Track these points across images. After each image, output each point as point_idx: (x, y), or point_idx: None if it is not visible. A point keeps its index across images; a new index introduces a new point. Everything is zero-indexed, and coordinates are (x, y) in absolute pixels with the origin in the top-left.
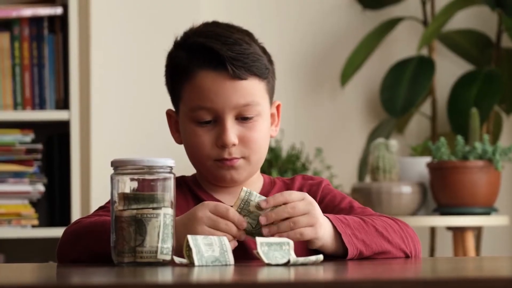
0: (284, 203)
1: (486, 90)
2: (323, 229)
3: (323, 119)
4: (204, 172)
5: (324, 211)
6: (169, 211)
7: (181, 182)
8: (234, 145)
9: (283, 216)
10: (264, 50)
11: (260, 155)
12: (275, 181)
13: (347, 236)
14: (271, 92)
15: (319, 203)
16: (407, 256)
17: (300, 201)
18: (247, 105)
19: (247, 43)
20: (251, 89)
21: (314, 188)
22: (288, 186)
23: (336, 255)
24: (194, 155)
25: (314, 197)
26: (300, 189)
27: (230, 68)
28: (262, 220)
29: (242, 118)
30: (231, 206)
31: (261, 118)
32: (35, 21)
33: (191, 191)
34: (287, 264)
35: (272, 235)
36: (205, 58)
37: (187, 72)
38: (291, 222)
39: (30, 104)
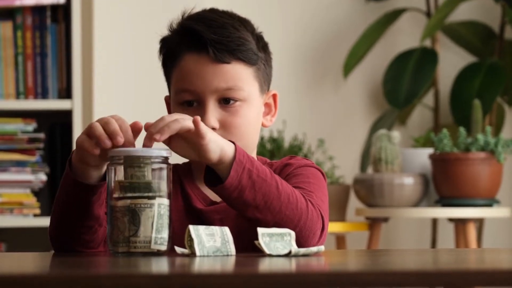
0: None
1: (489, 82)
2: (212, 134)
3: (325, 110)
4: None
5: None
6: (164, 201)
7: (173, 171)
8: (214, 129)
9: (160, 126)
10: (258, 38)
11: (244, 141)
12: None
13: (239, 165)
14: (262, 79)
15: None
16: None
17: (180, 117)
18: (229, 89)
19: (234, 28)
20: (235, 74)
21: (285, 169)
22: (271, 168)
23: (220, 182)
24: None
25: (282, 178)
26: (275, 170)
27: (211, 51)
28: (145, 142)
29: (224, 102)
30: None
31: (246, 104)
32: (38, 10)
33: (180, 182)
34: (288, 255)
35: (162, 137)
36: (189, 40)
37: (174, 55)
38: (168, 118)
39: (33, 93)
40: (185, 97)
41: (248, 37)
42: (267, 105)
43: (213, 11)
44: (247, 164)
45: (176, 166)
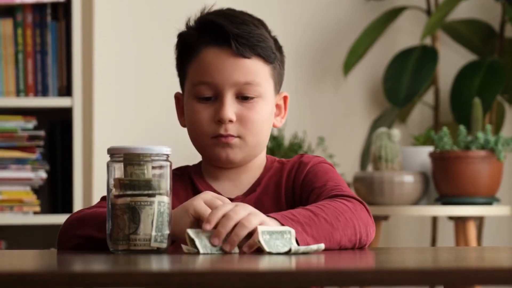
0: (223, 215)
1: (489, 80)
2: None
3: (325, 108)
4: (203, 151)
5: (302, 190)
6: (165, 199)
7: (184, 172)
8: (231, 121)
9: (230, 226)
10: (275, 40)
11: (258, 138)
12: (272, 166)
13: (298, 234)
14: (277, 80)
15: (302, 182)
16: (355, 245)
17: (236, 207)
18: (248, 84)
19: (255, 25)
20: (254, 69)
21: (302, 167)
22: (283, 166)
23: None
24: (193, 133)
25: (299, 176)
26: (291, 168)
27: (234, 45)
28: (215, 241)
29: (242, 98)
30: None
31: (262, 100)
32: (38, 7)
33: (192, 182)
34: (288, 252)
35: (232, 247)
36: (211, 34)
37: (193, 49)
38: (241, 226)
39: (33, 91)
40: (202, 91)
41: (267, 36)
42: (277, 106)
43: (231, 9)
44: (298, 228)
45: (187, 167)
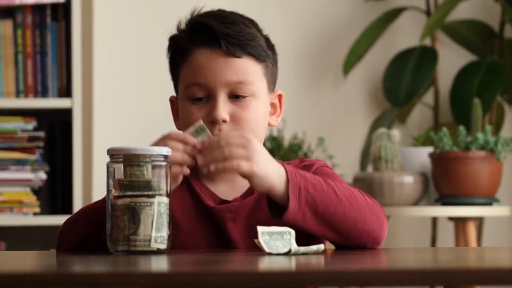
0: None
1: (488, 81)
2: (262, 168)
3: (325, 108)
4: None
5: None
6: (164, 199)
7: None
8: (224, 121)
9: (217, 146)
10: (266, 38)
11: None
12: None
13: (295, 187)
14: (270, 78)
15: None
16: (364, 234)
17: (235, 135)
18: (240, 83)
19: (245, 25)
20: (245, 68)
21: (306, 170)
22: None
23: (284, 208)
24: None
25: None
26: None
27: (224, 44)
28: (199, 158)
29: (234, 96)
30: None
31: (256, 99)
32: (38, 8)
33: (188, 182)
34: (288, 253)
35: (208, 166)
36: (201, 36)
37: (185, 51)
38: (225, 149)
39: (33, 92)
40: (195, 92)
41: (258, 34)
42: (272, 105)
43: (222, 10)
44: (301, 185)
45: None
